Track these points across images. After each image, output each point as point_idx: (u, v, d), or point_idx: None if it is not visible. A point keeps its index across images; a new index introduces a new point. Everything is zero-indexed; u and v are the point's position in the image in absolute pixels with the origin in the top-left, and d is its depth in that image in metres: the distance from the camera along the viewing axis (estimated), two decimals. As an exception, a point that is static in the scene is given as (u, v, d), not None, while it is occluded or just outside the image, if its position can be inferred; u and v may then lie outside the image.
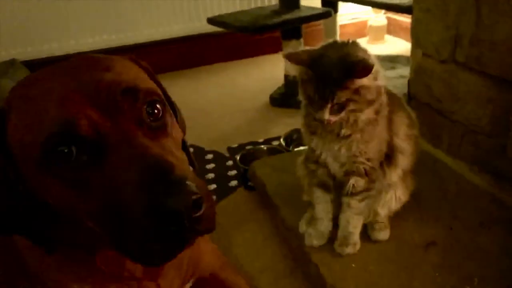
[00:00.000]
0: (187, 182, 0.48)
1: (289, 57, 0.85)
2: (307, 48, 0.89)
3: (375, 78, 0.83)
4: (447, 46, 1.23)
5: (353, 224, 0.95)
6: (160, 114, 0.57)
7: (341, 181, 0.94)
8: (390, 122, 0.92)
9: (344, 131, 0.86)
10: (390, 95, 0.93)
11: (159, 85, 0.67)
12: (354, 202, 0.93)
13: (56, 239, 0.59)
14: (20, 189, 0.54)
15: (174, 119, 0.63)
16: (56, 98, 0.51)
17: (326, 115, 0.82)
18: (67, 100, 0.51)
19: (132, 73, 0.58)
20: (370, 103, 0.84)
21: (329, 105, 0.81)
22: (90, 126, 0.50)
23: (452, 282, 0.88)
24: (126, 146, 0.50)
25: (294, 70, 0.89)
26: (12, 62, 2.18)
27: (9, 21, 2.23)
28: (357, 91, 0.81)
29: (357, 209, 0.94)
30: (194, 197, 0.48)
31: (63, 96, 0.51)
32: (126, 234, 0.49)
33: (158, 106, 0.57)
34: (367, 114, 0.85)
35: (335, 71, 0.80)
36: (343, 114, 0.83)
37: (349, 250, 0.96)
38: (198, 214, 0.49)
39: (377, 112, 0.87)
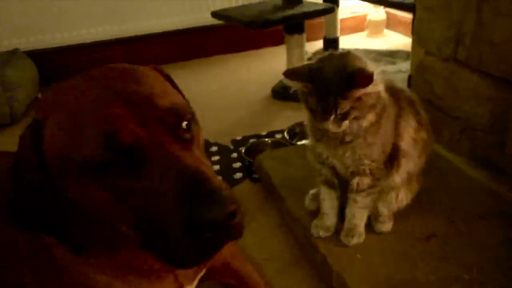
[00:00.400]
0: (223, 193, 0.51)
1: (289, 75, 0.88)
2: (305, 62, 0.92)
3: (375, 84, 0.85)
4: (449, 45, 1.27)
5: (358, 217, 1.00)
6: (190, 126, 0.60)
7: (347, 179, 0.98)
8: (396, 124, 0.94)
9: (347, 138, 0.90)
10: (401, 95, 0.95)
11: (179, 91, 0.70)
12: (359, 197, 0.97)
13: (83, 240, 0.62)
14: (54, 193, 0.56)
15: (197, 125, 0.65)
16: (98, 110, 0.53)
17: (331, 126, 0.85)
18: (109, 112, 0.53)
19: (163, 86, 0.61)
20: (371, 108, 0.87)
21: (332, 116, 0.84)
22: (132, 138, 0.52)
23: (452, 272, 0.92)
24: (165, 158, 0.53)
25: (294, 85, 0.92)
26: (14, 52, 2.18)
27: (11, 11, 2.24)
28: (358, 98, 0.84)
29: (362, 204, 0.98)
30: (232, 207, 0.51)
31: (104, 108, 0.53)
32: (162, 239, 0.52)
33: (190, 119, 0.60)
34: (369, 119, 0.88)
35: (336, 83, 0.83)
36: (347, 122, 0.86)
37: (354, 240, 1.00)
38: (232, 222, 0.52)
39: (379, 115, 0.89)
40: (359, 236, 1.01)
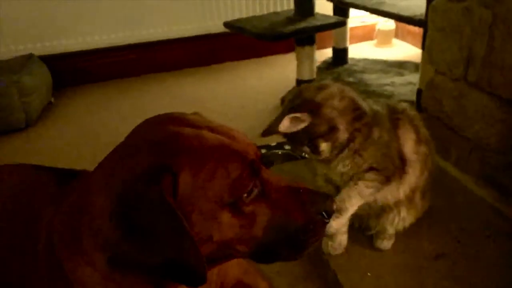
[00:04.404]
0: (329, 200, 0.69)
1: (266, 135, 0.97)
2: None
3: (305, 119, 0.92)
4: (460, 66, 1.30)
5: (351, 201, 0.98)
6: None
7: None
8: (395, 134, 0.98)
9: (330, 155, 0.96)
10: (400, 113, 1.01)
11: None
12: (361, 183, 0.97)
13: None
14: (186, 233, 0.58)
15: None
16: (233, 149, 0.63)
17: (311, 155, 0.97)
18: (244, 149, 0.64)
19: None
20: (335, 131, 0.93)
21: (305, 149, 0.95)
22: (256, 158, 0.65)
23: (460, 292, 0.96)
24: (271, 178, 0.66)
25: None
26: (29, 57, 2.22)
27: (26, 16, 2.28)
28: (306, 130, 0.91)
29: (361, 191, 0.97)
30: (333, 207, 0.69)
31: (240, 147, 0.64)
32: (283, 247, 0.66)
33: None
34: (341, 137, 0.94)
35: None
36: (323, 146, 0.93)
37: (334, 226, 0.99)
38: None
39: (361, 129, 0.94)
40: (341, 222, 1.00)
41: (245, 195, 0.62)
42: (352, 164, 0.96)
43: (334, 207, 0.69)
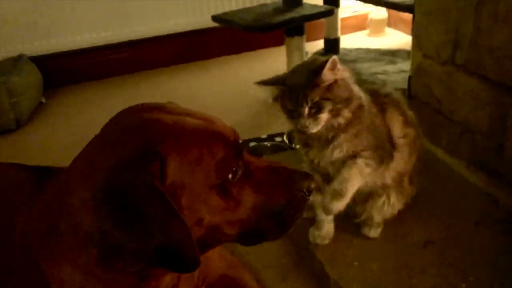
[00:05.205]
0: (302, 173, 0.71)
1: (262, 83, 0.95)
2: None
3: (341, 71, 0.90)
4: (447, 49, 1.27)
5: (352, 182, 0.95)
6: None
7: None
8: (382, 118, 0.96)
9: (330, 134, 0.92)
10: (385, 98, 0.99)
11: None
12: (361, 161, 0.94)
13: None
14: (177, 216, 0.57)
15: None
16: (215, 132, 0.64)
17: (307, 122, 0.89)
18: (224, 131, 0.65)
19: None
20: (346, 102, 0.90)
21: (306, 109, 0.88)
22: (238, 138, 0.67)
23: (449, 280, 0.93)
24: (253, 160, 0.68)
25: (267, 92, 0.98)
26: (19, 58, 2.20)
27: (16, 17, 2.26)
28: (328, 88, 0.88)
29: (362, 169, 0.94)
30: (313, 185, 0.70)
31: (221, 130, 0.65)
32: (268, 226, 0.68)
33: None
34: (345, 115, 0.91)
35: (303, 76, 0.89)
36: (322, 116, 0.88)
37: (337, 208, 0.96)
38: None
39: (355, 113, 0.92)
40: (342, 203, 0.96)
41: (231, 175, 0.63)
42: (348, 148, 0.93)
43: (313, 185, 0.70)
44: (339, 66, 0.89)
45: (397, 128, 0.98)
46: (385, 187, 1.00)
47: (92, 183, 0.58)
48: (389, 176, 0.99)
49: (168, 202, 0.56)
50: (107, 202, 0.56)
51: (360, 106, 0.93)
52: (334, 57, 0.88)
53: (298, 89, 0.88)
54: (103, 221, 0.56)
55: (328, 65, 0.86)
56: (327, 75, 0.88)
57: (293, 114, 0.90)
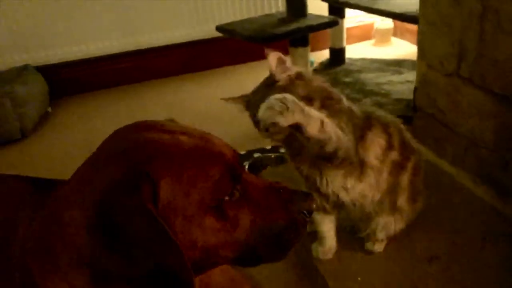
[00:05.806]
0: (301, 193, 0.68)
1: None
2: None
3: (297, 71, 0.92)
4: (452, 60, 1.26)
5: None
6: None
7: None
8: (361, 136, 0.91)
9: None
10: (376, 120, 0.94)
11: None
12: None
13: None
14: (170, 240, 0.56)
15: None
16: (212, 152, 0.62)
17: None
18: (222, 152, 0.63)
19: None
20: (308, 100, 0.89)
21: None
22: (236, 161, 0.64)
23: (454, 296, 0.91)
24: (251, 179, 0.66)
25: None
26: (25, 68, 2.22)
27: (22, 26, 2.28)
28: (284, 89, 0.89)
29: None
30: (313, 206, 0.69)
31: (218, 151, 0.63)
32: (266, 248, 0.65)
33: None
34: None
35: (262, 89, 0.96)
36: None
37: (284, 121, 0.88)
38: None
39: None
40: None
41: (227, 197, 0.61)
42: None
43: (314, 206, 0.69)
44: (288, 61, 0.92)
45: (374, 149, 0.92)
46: (378, 210, 0.97)
47: (85, 203, 0.58)
48: (374, 195, 0.95)
49: (160, 224, 0.54)
50: (96, 225, 0.55)
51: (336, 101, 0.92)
52: (277, 52, 0.92)
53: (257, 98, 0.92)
54: (94, 245, 0.55)
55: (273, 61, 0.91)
56: (278, 72, 0.90)
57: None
